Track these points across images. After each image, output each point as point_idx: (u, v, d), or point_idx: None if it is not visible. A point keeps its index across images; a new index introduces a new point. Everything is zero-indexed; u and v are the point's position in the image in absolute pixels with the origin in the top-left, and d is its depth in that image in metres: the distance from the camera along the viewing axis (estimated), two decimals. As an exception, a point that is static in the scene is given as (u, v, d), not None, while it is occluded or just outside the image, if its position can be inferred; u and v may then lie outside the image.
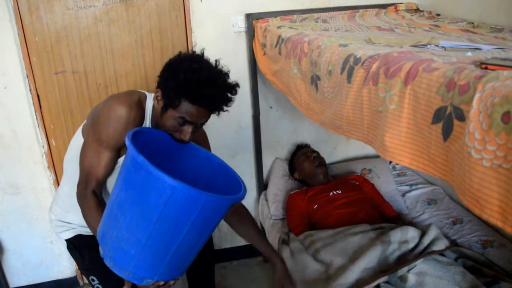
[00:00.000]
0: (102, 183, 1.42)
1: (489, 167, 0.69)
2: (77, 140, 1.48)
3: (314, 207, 2.05)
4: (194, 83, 1.25)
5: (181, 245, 1.23)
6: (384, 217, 2.06)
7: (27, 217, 2.35)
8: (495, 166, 0.69)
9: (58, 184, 2.33)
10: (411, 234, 1.66)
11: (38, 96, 2.17)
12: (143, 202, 1.16)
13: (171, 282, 1.36)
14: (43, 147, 2.24)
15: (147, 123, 1.44)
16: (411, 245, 1.64)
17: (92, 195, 1.39)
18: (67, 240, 1.64)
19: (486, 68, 0.78)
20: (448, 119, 0.79)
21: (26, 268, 2.45)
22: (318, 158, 2.26)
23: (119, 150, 1.41)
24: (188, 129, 1.33)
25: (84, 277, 2.58)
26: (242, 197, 1.32)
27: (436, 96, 0.82)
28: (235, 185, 1.41)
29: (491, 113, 0.67)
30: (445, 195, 2.30)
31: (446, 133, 0.80)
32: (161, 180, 1.10)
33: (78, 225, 1.60)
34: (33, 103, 2.16)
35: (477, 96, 0.71)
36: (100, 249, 1.32)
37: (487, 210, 0.72)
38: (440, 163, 0.87)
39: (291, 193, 2.21)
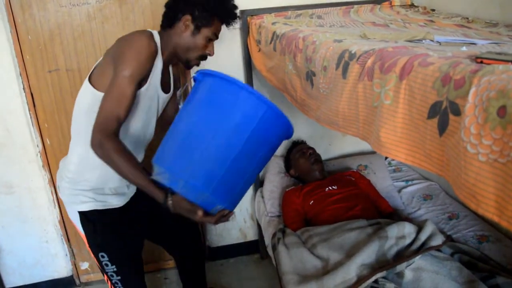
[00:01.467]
0: (121, 124, 1.39)
1: (485, 162, 0.69)
2: (87, 93, 1.47)
3: (310, 203, 2.04)
4: (223, 3, 1.58)
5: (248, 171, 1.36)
6: (380, 212, 2.06)
7: (22, 217, 2.33)
8: (491, 160, 0.68)
9: (54, 184, 2.33)
10: (408, 229, 1.66)
11: (31, 94, 2.16)
12: (234, 122, 1.27)
13: (231, 214, 1.43)
14: (37, 146, 2.23)
15: (159, 55, 1.51)
16: (408, 241, 1.64)
17: (115, 136, 1.36)
18: (81, 213, 1.58)
19: (481, 62, 0.78)
20: (443, 113, 0.79)
21: (22, 267, 2.44)
22: (314, 155, 2.25)
23: (140, 84, 1.43)
24: (212, 44, 1.61)
25: (80, 276, 2.57)
26: (291, 133, 1.44)
27: (431, 90, 0.81)
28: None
29: (487, 107, 0.67)
30: (441, 190, 2.31)
31: (442, 128, 0.80)
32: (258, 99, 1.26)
33: (93, 188, 1.55)
34: (27, 102, 2.15)
35: (472, 90, 0.70)
36: (168, 178, 1.32)
37: (483, 204, 0.71)
38: (436, 158, 0.86)
39: (287, 190, 2.20)
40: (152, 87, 1.51)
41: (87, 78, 1.49)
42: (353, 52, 1.13)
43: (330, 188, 2.08)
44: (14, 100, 2.12)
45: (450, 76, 0.77)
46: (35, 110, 2.18)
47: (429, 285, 1.47)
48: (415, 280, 1.50)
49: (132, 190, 1.68)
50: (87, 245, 1.65)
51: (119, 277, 1.66)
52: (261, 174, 2.54)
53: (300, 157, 2.26)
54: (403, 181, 2.47)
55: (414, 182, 2.43)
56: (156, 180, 1.35)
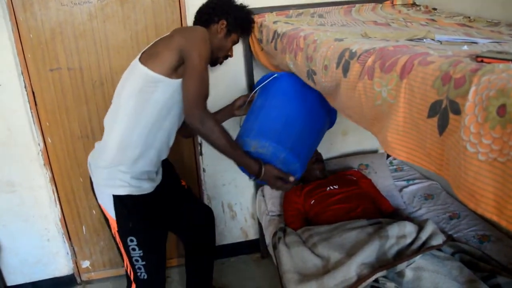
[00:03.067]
0: None
1: (485, 161, 0.69)
2: (139, 75, 1.56)
3: (311, 203, 2.04)
4: (248, 16, 1.91)
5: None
6: (381, 212, 2.06)
7: (23, 215, 2.34)
8: (491, 160, 0.68)
9: (55, 182, 2.33)
10: (409, 229, 1.66)
11: (33, 93, 2.16)
12: (313, 110, 1.75)
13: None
14: (39, 144, 2.23)
15: None
16: (408, 240, 1.63)
17: (209, 111, 1.52)
18: (116, 196, 1.63)
19: (481, 61, 0.78)
20: (443, 112, 0.78)
21: (23, 266, 2.45)
22: (315, 154, 2.25)
23: None
24: (233, 48, 1.90)
25: (81, 274, 2.58)
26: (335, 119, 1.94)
27: (431, 89, 0.81)
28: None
29: (487, 106, 0.66)
30: (442, 190, 2.31)
31: (442, 127, 0.80)
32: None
33: (131, 170, 1.61)
34: (28, 100, 2.15)
35: (472, 89, 0.70)
36: (270, 150, 1.61)
37: (482, 204, 0.71)
38: (436, 157, 0.86)
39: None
40: None
41: (136, 63, 1.57)
42: (353, 51, 1.12)
43: (331, 187, 2.08)
44: (16, 98, 2.12)
45: (450, 75, 0.77)
46: (36, 108, 2.19)
47: (430, 284, 1.46)
48: (415, 279, 1.50)
49: (159, 178, 1.76)
50: (114, 228, 1.68)
51: (143, 262, 1.71)
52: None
53: None
54: (404, 180, 2.46)
55: (415, 181, 2.43)
56: (255, 151, 1.63)
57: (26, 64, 2.10)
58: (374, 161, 2.51)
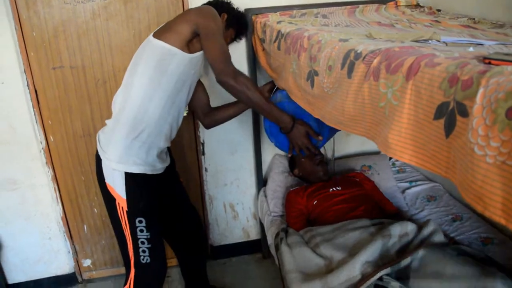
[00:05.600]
0: None
1: (493, 164, 0.68)
2: (155, 48, 1.60)
3: (314, 203, 2.04)
4: (243, 18, 1.99)
5: None
6: (384, 212, 2.05)
7: (25, 214, 2.34)
8: (499, 162, 0.67)
9: (57, 181, 2.33)
10: (411, 227, 1.67)
11: (35, 91, 2.16)
12: None
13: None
14: (41, 143, 2.23)
15: None
16: (410, 237, 1.64)
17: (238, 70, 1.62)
18: (129, 174, 1.62)
19: (489, 63, 0.77)
20: (450, 114, 0.78)
21: (24, 264, 2.44)
22: (319, 155, 2.24)
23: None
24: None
25: (82, 273, 2.58)
26: None
27: (438, 91, 0.81)
28: None
29: (495, 109, 0.66)
30: (444, 191, 2.30)
31: (448, 129, 0.79)
32: None
33: (148, 140, 1.64)
34: (31, 99, 2.15)
35: (480, 91, 0.69)
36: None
37: (490, 207, 0.71)
38: (441, 159, 0.85)
39: (291, 189, 2.20)
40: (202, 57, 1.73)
41: (150, 40, 1.62)
42: (358, 51, 1.12)
43: (334, 189, 2.08)
44: (18, 97, 2.12)
45: (458, 77, 0.76)
46: (39, 107, 2.18)
47: (435, 268, 1.46)
48: (420, 267, 1.49)
49: (168, 160, 1.80)
50: (123, 209, 1.65)
51: (149, 245, 1.70)
52: (264, 173, 2.53)
53: (305, 158, 2.25)
54: (407, 182, 2.46)
55: (418, 183, 2.42)
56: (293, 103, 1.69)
57: (29, 62, 2.10)
58: (377, 162, 2.50)
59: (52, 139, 2.27)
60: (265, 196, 2.40)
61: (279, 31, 1.72)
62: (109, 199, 1.67)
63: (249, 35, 2.15)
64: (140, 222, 1.66)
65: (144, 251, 1.70)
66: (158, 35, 1.61)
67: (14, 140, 2.18)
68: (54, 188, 2.33)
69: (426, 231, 1.66)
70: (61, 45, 2.12)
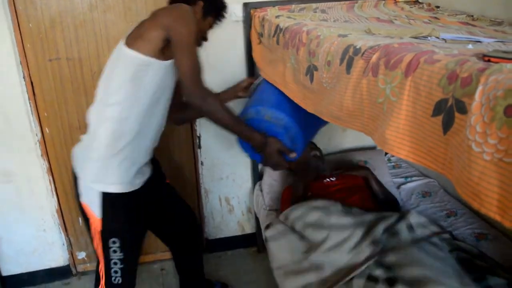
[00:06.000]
0: None
1: (490, 161, 0.69)
2: (130, 60, 1.48)
3: (309, 195, 2.05)
4: (222, 2, 1.78)
5: None
6: (378, 204, 2.06)
7: (20, 206, 2.32)
8: (496, 160, 0.68)
9: (52, 173, 2.32)
10: (399, 217, 1.73)
11: (31, 83, 2.14)
12: None
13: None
14: (36, 135, 2.22)
15: None
16: (400, 228, 1.68)
17: (209, 89, 1.53)
18: (105, 193, 1.54)
19: (489, 60, 0.77)
20: (449, 111, 0.78)
21: (19, 256, 2.44)
22: (320, 159, 2.23)
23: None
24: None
25: (77, 265, 2.58)
26: None
27: (437, 88, 0.81)
28: None
29: (494, 106, 0.66)
30: (439, 187, 2.31)
31: (447, 126, 0.80)
32: None
33: (126, 159, 1.55)
34: (27, 90, 2.13)
35: (479, 88, 0.70)
36: (282, 125, 1.68)
37: (486, 204, 0.71)
38: (439, 156, 0.86)
39: (286, 186, 2.20)
40: None
41: (122, 48, 1.49)
42: (358, 47, 1.12)
43: (328, 180, 2.08)
44: (14, 88, 2.10)
45: (457, 74, 0.76)
46: (34, 99, 2.17)
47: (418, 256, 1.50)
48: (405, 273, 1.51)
49: (149, 171, 1.70)
50: (96, 228, 1.58)
51: (122, 266, 1.63)
52: (260, 167, 2.53)
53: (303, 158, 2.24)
54: (402, 177, 2.47)
55: (413, 179, 2.43)
56: (267, 121, 1.69)
57: (25, 54, 2.08)
58: (373, 157, 2.51)
59: (47, 131, 2.26)
60: (261, 190, 2.40)
61: (277, 26, 1.72)
62: (84, 217, 1.62)
63: (247, 29, 2.14)
64: (114, 243, 1.59)
65: (116, 272, 1.63)
66: (130, 43, 1.48)
67: (10, 132, 2.17)
68: (49, 180, 2.33)
69: (413, 219, 1.70)
70: (58, 37, 2.10)
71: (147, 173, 1.68)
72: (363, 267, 1.50)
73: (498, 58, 0.77)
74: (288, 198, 2.12)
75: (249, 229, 2.73)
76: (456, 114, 0.76)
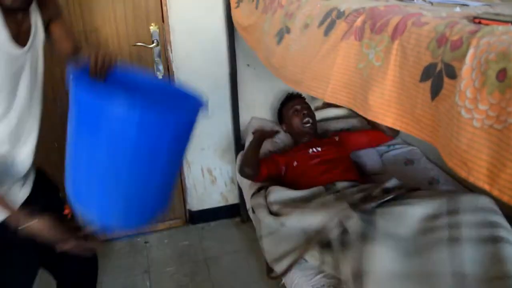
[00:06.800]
0: None
1: (480, 128, 0.66)
2: None
3: (294, 164, 2.03)
4: None
5: None
6: (361, 175, 2.06)
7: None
8: (486, 126, 0.65)
9: None
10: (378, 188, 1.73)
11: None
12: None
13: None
14: None
15: None
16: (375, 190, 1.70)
17: None
18: None
19: (479, 22, 0.74)
20: (437, 76, 0.75)
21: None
22: (308, 116, 2.18)
23: None
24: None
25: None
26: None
27: (425, 52, 0.77)
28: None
29: (485, 70, 0.63)
30: (422, 155, 2.31)
31: (435, 91, 0.76)
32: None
33: None
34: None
35: (470, 52, 0.66)
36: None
37: (474, 172, 0.69)
38: (426, 123, 0.83)
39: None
40: None
41: None
42: (341, 10, 1.07)
43: (313, 149, 2.06)
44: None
45: (447, 37, 0.73)
46: None
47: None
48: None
49: (21, 195, 1.26)
50: None
51: None
52: (242, 136, 2.50)
53: (294, 116, 2.20)
54: (385, 145, 2.46)
55: (396, 146, 2.42)
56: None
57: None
58: (356, 125, 2.49)
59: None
60: (243, 160, 2.37)
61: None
62: None
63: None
64: None
65: None
66: None
67: None
68: None
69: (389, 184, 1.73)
70: None
71: (20, 198, 1.25)
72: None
73: (489, 20, 0.73)
74: (270, 157, 2.11)
75: (232, 199, 2.71)
76: (445, 79, 0.73)
